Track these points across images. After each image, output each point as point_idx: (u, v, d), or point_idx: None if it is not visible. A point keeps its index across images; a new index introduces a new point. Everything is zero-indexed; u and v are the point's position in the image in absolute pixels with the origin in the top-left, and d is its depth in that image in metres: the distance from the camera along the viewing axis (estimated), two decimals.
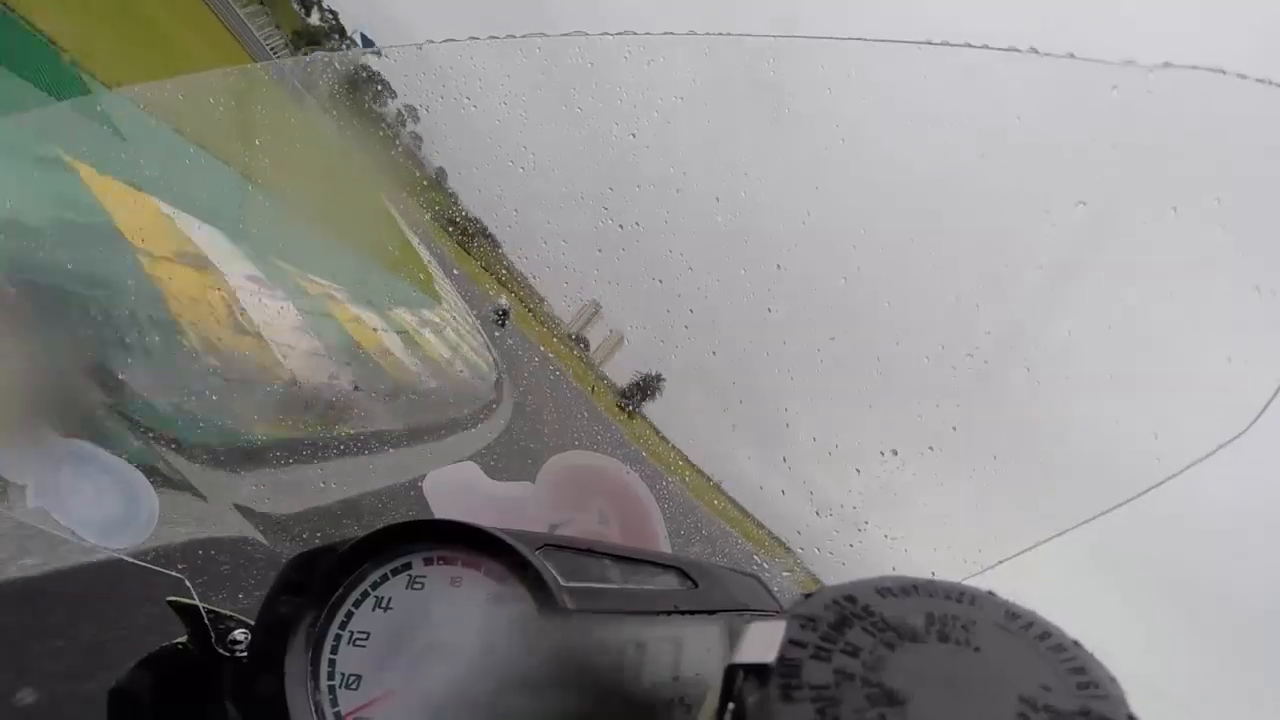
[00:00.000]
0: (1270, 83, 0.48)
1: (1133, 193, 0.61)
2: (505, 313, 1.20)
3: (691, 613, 0.50)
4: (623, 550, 0.54)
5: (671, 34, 0.66)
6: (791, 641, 0.23)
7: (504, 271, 1.07)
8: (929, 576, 0.27)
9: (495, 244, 1.07)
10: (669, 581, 0.53)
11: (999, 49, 0.50)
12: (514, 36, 0.72)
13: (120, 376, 0.69)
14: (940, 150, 0.71)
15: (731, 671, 0.24)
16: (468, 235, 1.11)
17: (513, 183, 0.86)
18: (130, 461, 0.61)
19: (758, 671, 0.23)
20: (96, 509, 0.59)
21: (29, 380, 0.63)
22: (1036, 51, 0.50)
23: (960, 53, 0.53)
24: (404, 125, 1.23)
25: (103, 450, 0.61)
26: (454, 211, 1.10)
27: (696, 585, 0.53)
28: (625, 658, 0.43)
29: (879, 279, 0.72)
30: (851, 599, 0.25)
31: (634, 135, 0.77)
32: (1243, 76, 0.48)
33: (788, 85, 0.67)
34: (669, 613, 0.49)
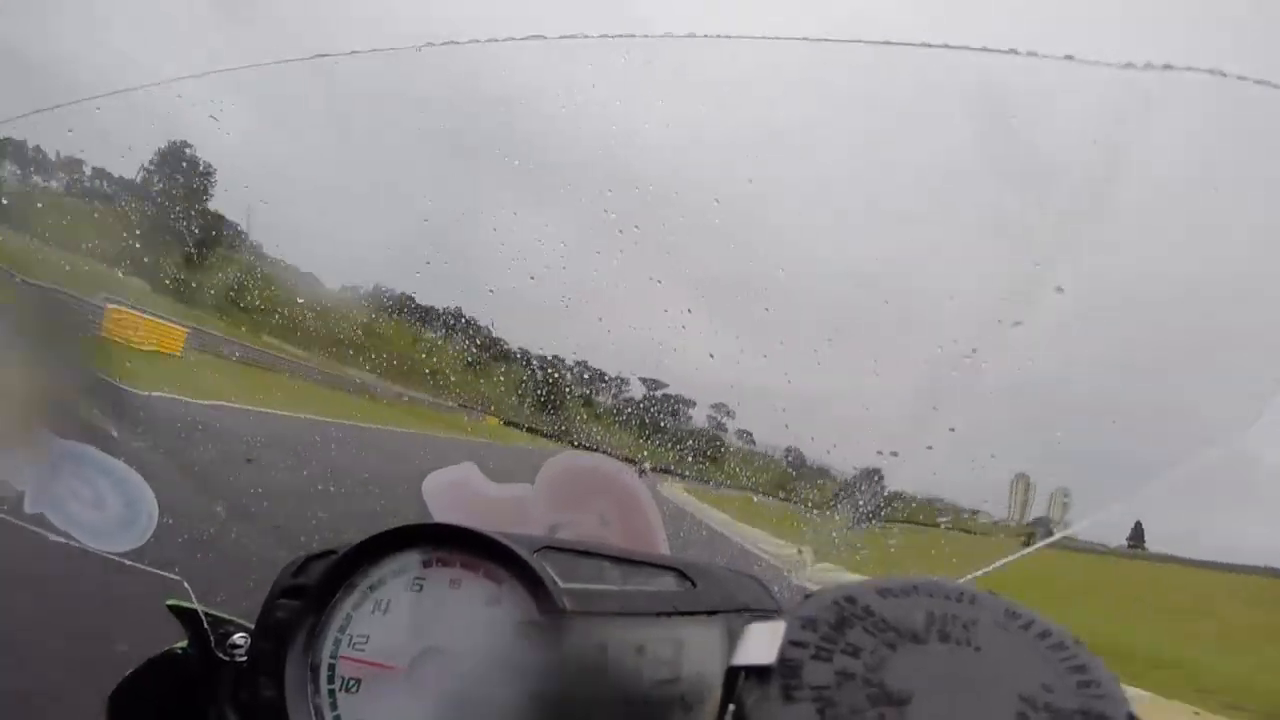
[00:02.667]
0: (1270, 84, 0.48)
1: (1131, 191, 0.61)
2: (644, 471, 1.22)
3: (690, 614, 0.50)
4: (621, 552, 0.54)
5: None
6: (792, 642, 0.23)
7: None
8: (928, 576, 0.27)
9: None
10: (668, 583, 0.53)
11: (999, 50, 0.50)
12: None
13: (114, 380, 0.68)
14: (938, 148, 0.71)
15: (733, 672, 0.24)
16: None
17: None
18: (129, 464, 0.61)
19: (759, 672, 0.23)
20: (95, 512, 0.58)
21: (27, 383, 0.62)
22: (1035, 54, 0.50)
23: (959, 54, 0.52)
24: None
25: (101, 452, 0.60)
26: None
27: (695, 586, 0.53)
28: (624, 659, 0.43)
29: (878, 279, 0.71)
30: (852, 599, 0.25)
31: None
32: (1242, 78, 0.48)
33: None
34: (668, 614, 0.49)
